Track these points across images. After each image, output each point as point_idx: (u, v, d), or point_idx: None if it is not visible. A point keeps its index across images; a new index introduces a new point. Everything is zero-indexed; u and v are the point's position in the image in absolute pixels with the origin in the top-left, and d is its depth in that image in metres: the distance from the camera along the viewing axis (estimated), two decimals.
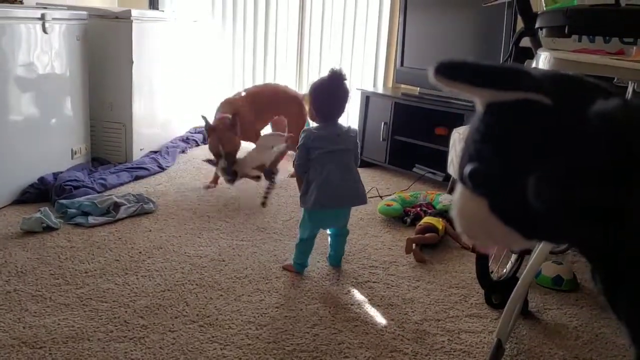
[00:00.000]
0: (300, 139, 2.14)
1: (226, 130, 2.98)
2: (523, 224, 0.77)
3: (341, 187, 2.10)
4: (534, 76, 0.77)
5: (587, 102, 0.74)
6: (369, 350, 1.72)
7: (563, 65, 1.51)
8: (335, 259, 2.29)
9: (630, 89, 1.55)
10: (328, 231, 2.31)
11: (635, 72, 1.36)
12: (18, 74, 2.79)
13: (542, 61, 1.53)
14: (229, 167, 2.94)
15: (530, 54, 1.86)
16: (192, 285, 2.05)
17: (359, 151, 2.26)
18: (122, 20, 3.38)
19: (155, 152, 3.71)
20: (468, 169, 0.79)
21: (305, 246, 2.20)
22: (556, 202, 0.71)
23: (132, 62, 3.41)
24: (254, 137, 3.27)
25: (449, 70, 0.77)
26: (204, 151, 3.89)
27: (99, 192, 2.92)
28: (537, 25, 1.83)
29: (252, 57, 4.49)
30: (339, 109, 2.16)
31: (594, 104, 0.74)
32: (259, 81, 4.44)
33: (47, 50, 2.96)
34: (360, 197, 2.18)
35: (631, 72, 1.38)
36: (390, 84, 4.10)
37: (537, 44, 1.88)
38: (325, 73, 4.31)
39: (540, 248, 1.65)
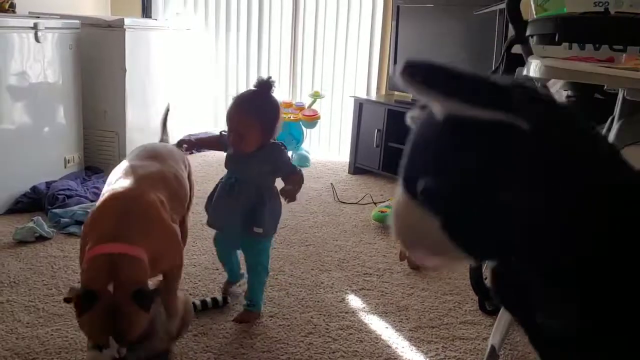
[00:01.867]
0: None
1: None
2: (475, 245, 0.75)
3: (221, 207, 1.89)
4: (512, 95, 0.71)
5: (566, 131, 0.71)
6: (363, 358, 1.72)
7: (554, 72, 1.52)
8: (247, 299, 1.94)
9: (620, 96, 1.56)
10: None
11: (625, 79, 1.38)
12: (10, 83, 2.78)
13: (533, 69, 1.54)
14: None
15: (521, 61, 1.87)
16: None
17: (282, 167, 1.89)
18: (115, 28, 3.38)
19: None
20: (422, 184, 0.73)
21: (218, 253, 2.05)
22: (537, 229, 0.70)
23: (125, 71, 3.41)
24: None
25: (422, 73, 0.70)
26: (197, 159, 3.90)
27: (92, 201, 2.91)
28: (527, 33, 1.85)
29: (245, 65, 4.49)
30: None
31: (572, 132, 0.72)
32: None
33: (39, 59, 2.96)
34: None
35: (621, 79, 1.39)
36: (383, 91, 4.11)
37: (528, 52, 1.89)
38: (318, 80, 4.31)
39: None
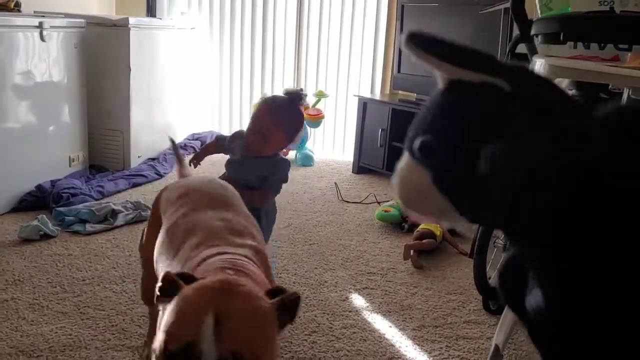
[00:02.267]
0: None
1: None
2: (461, 199, 0.80)
3: None
4: (499, 63, 0.81)
5: (541, 95, 0.78)
6: (367, 357, 1.72)
7: (558, 71, 1.52)
8: None
9: (625, 95, 1.55)
10: None
11: (630, 78, 1.37)
12: (16, 82, 2.79)
13: (538, 68, 1.54)
14: None
15: (526, 61, 1.87)
16: None
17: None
18: (119, 28, 3.39)
19: (153, 159, 3.71)
20: (419, 140, 0.82)
21: None
22: (507, 173, 0.73)
23: (130, 70, 3.42)
24: None
25: (423, 41, 0.79)
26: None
27: (96, 200, 2.92)
28: (532, 32, 1.84)
29: (249, 65, 4.50)
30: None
31: (547, 98, 0.77)
32: (257, 89, 4.46)
33: (44, 58, 2.97)
34: None
35: (626, 78, 1.38)
36: (387, 91, 4.11)
37: (533, 51, 1.89)
38: (322, 79, 4.31)
39: None
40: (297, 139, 1.87)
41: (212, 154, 2.08)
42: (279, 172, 1.86)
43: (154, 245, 1.29)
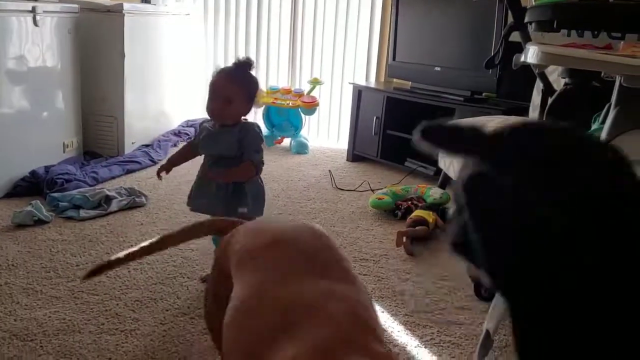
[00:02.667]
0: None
1: None
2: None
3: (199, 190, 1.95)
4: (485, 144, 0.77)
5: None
6: None
7: (551, 59, 1.53)
8: None
9: (617, 83, 1.56)
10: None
11: (622, 66, 1.38)
12: (9, 67, 2.77)
13: (531, 55, 1.54)
14: None
15: (520, 48, 1.87)
16: (184, 278, 2.06)
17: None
18: (113, 13, 3.37)
19: (147, 145, 3.70)
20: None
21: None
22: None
23: (124, 56, 3.40)
24: None
25: (429, 136, 0.77)
26: None
27: (90, 186, 2.92)
28: (526, 20, 1.84)
29: (244, 52, 4.48)
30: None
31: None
32: None
33: (38, 43, 2.95)
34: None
35: (617, 66, 1.39)
36: (382, 78, 4.11)
37: (527, 38, 1.89)
38: (317, 67, 4.31)
39: None
40: (257, 101, 1.94)
41: (187, 159, 2.08)
42: (249, 133, 1.89)
43: (220, 317, 0.87)
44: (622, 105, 1.55)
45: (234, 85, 1.86)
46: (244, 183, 1.90)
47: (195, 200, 1.96)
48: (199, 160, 2.02)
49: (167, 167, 2.04)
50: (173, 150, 3.76)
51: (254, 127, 1.92)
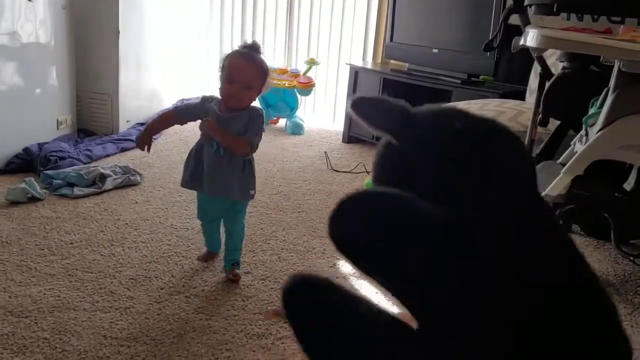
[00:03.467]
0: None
1: None
2: None
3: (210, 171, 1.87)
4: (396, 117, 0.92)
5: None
6: None
7: (551, 42, 1.52)
8: (225, 259, 1.98)
9: (615, 68, 1.56)
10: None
11: (621, 50, 1.37)
12: (1, 42, 2.74)
13: (530, 38, 1.54)
14: None
15: (519, 31, 1.86)
16: (179, 257, 2.06)
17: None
18: None
19: (142, 124, 3.68)
20: None
21: (203, 228, 2.06)
22: None
23: (119, 32, 3.37)
24: None
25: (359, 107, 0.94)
26: (190, 124, 3.87)
27: (84, 164, 2.90)
28: (525, 3, 1.83)
29: (240, 31, 4.44)
30: None
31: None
32: None
33: (31, 18, 2.91)
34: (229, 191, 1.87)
35: (617, 50, 1.39)
36: (379, 60, 4.09)
37: (526, 21, 1.88)
38: (314, 47, 4.28)
39: None
40: (267, 85, 1.92)
41: (167, 127, 1.99)
42: (256, 119, 1.84)
43: None
44: (620, 90, 1.55)
45: (254, 70, 1.82)
46: (252, 166, 1.88)
47: (211, 183, 1.87)
48: (194, 141, 1.96)
49: (147, 138, 1.89)
50: (168, 129, 3.73)
51: (260, 112, 1.88)
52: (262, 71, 1.84)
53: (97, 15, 3.38)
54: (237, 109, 1.82)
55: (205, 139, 1.86)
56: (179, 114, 1.92)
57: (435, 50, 3.41)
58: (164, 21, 3.95)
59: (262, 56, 1.87)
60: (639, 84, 1.51)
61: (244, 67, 1.81)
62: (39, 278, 1.85)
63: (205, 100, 1.91)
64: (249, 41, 1.89)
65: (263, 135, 1.87)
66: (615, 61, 1.56)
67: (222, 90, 1.83)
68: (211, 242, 2.07)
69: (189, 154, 1.92)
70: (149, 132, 1.91)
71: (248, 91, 1.81)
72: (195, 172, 1.89)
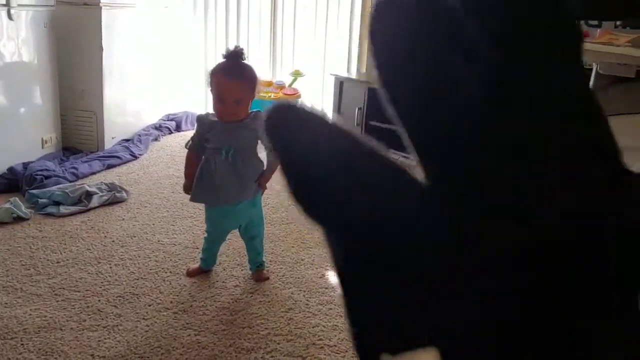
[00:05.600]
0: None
1: None
2: None
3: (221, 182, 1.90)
4: None
5: None
6: (342, 332, 1.74)
7: None
8: (251, 263, 2.06)
9: (594, 71, 1.57)
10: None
11: (599, 54, 1.39)
12: None
13: None
14: None
15: None
16: (166, 273, 2.05)
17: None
18: (90, 6, 3.32)
19: (128, 140, 3.66)
20: None
21: (206, 243, 2.06)
22: None
23: (102, 49, 3.36)
24: None
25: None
26: (176, 139, 3.87)
27: (70, 182, 2.88)
28: None
29: (224, 44, 4.45)
30: None
31: None
32: None
33: (13, 37, 2.90)
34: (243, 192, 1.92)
35: (595, 54, 1.40)
36: (364, 69, 4.10)
37: None
38: (298, 58, 4.28)
39: None
40: (259, 89, 1.93)
41: (198, 165, 1.94)
42: (259, 124, 1.87)
43: None
44: (599, 93, 1.57)
45: (239, 84, 1.83)
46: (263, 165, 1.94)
47: (226, 193, 1.89)
48: (181, 156, 1.97)
49: (190, 185, 1.95)
50: (154, 145, 3.73)
51: (261, 115, 1.91)
52: (250, 82, 1.85)
53: (80, 33, 3.37)
54: (239, 119, 1.86)
55: (213, 151, 1.88)
56: (197, 150, 1.92)
57: None
58: (147, 37, 3.95)
59: (246, 62, 1.88)
60: (618, 86, 1.53)
61: (231, 86, 1.82)
62: (25, 298, 1.83)
63: (202, 119, 1.93)
64: (232, 48, 1.90)
65: None
66: (594, 64, 1.58)
67: (215, 108, 1.85)
68: (209, 258, 2.06)
69: (200, 169, 1.91)
70: (190, 179, 1.94)
71: (240, 105, 1.83)
72: (206, 185, 1.90)
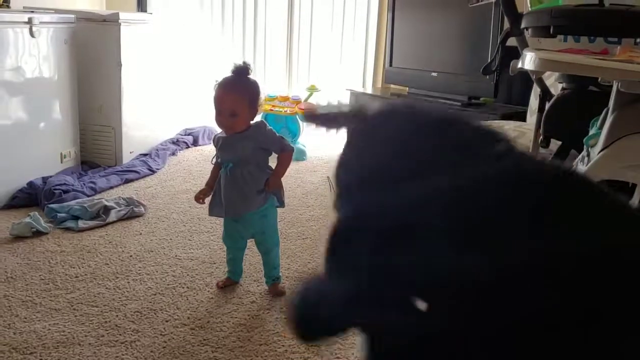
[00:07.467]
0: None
1: None
2: None
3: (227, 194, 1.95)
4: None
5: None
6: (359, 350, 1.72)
7: (548, 65, 1.53)
8: (267, 277, 2.08)
9: (614, 88, 1.56)
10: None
11: (619, 71, 1.38)
12: (5, 78, 2.77)
13: (528, 61, 1.54)
14: None
15: (517, 54, 1.87)
16: (183, 288, 2.05)
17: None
18: (110, 23, 3.37)
19: (145, 154, 3.70)
20: None
21: (228, 255, 2.11)
22: None
23: (121, 65, 3.40)
24: None
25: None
26: (194, 153, 3.90)
27: (88, 196, 2.91)
28: (522, 26, 1.85)
29: (241, 59, 4.48)
30: None
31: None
32: None
33: (34, 54, 2.95)
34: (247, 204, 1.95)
35: (614, 71, 1.39)
36: (379, 84, 4.11)
37: (524, 44, 1.89)
38: (314, 74, 4.31)
39: None
40: (260, 106, 1.98)
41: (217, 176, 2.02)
42: (263, 132, 1.94)
43: None
44: (620, 110, 1.55)
45: (235, 98, 1.88)
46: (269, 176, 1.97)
47: (229, 206, 1.94)
48: (198, 171, 2.01)
49: (208, 191, 2.01)
50: (172, 159, 3.76)
51: (263, 124, 1.97)
52: (245, 95, 1.89)
53: (99, 49, 3.42)
54: (240, 132, 1.91)
55: (229, 158, 1.93)
56: (219, 164, 2.00)
57: (435, 74, 3.43)
58: (165, 52, 4.00)
59: (249, 77, 1.93)
60: (638, 104, 1.51)
61: (224, 98, 1.90)
62: (44, 313, 1.84)
63: (215, 135, 2.03)
64: (239, 63, 1.96)
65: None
66: (614, 82, 1.57)
67: (215, 120, 1.93)
68: (233, 269, 2.10)
69: (216, 183, 2.00)
70: (210, 186, 2.01)
71: (235, 118, 1.89)
72: (217, 199, 1.97)
